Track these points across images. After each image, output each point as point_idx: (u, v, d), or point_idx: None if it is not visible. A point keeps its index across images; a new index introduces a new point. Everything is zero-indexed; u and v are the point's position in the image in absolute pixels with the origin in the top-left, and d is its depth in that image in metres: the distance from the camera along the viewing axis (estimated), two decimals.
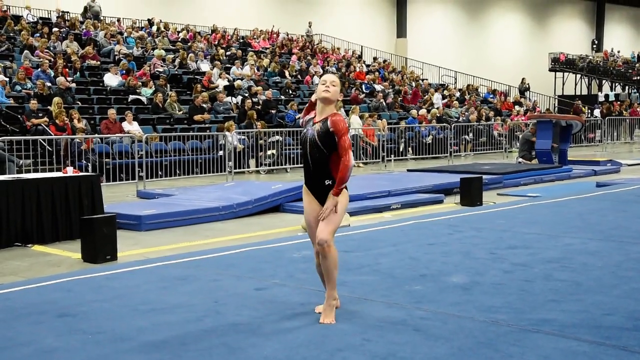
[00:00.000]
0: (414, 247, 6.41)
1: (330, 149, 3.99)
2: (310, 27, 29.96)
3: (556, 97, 35.25)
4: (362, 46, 31.32)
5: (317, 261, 4.18)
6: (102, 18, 23.41)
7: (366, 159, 17.73)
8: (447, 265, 5.59)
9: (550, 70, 37.66)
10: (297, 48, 26.49)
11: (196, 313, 4.20)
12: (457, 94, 26.31)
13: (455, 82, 31.02)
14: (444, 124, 20.17)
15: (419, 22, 36.68)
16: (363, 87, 24.04)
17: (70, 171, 8.16)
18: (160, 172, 13.24)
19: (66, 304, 4.43)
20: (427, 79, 29.50)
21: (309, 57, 25.37)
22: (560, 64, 37.20)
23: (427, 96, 24.71)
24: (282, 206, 9.87)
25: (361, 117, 19.34)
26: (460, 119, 22.61)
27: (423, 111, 21.83)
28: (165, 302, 4.47)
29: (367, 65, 27.93)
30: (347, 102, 21.81)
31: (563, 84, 36.83)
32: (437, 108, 22.94)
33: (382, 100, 22.63)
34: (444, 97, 25.40)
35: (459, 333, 3.80)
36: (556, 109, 32.40)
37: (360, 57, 29.61)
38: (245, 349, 3.55)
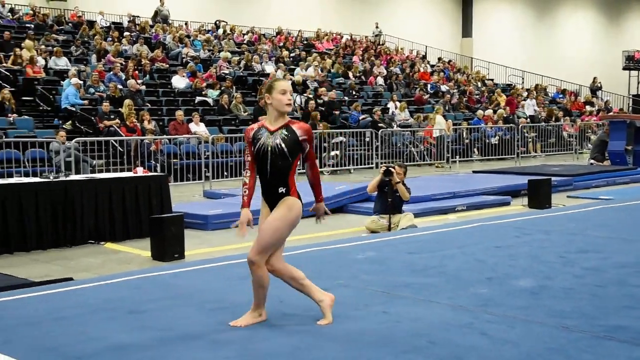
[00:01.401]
0: (480, 250, 6.29)
1: (294, 157, 3.96)
2: (377, 27, 29.86)
3: (630, 96, 33.95)
4: (426, 46, 31.00)
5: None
6: (170, 22, 23.99)
7: (430, 160, 17.55)
8: (515, 269, 5.46)
9: (624, 68, 36.28)
10: (361, 49, 26.44)
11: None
12: (525, 94, 25.70)
13: (523, 82, 30.32)
14: (511, 125, 19.75)
15: (486, 21, 36.01)
16: (428, 87, 23.79)
17: (140, 171, 8.40)
18: (225, 173, 13.46)
19: (136, 300, 4.55)
20: (492, 79, 28.95)
21: (372, 58, 25.29)
22: (635, 62, 35.80)
23: (493, 96, 24.25)
24: (346, 207, 9.87)
25: (425, 119, 19.17)
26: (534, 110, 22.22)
27: (489, 112, 21.43)
28: (230, 301, 4.53)
29: (432, 66, 27.63)
30: (411, 103, 21.64)
31: (638, 83, 35.46)
32: (504, 108, 22.46)
33: (448, 100, 22.37)
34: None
35: (528, 338, 3.70)
36: (630, 108, 31.23)
37: (424, 57, 29.33)
38: (309, 349, 3.56)
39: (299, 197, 4.02)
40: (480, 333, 3.79)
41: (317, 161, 3.94)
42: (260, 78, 19.89)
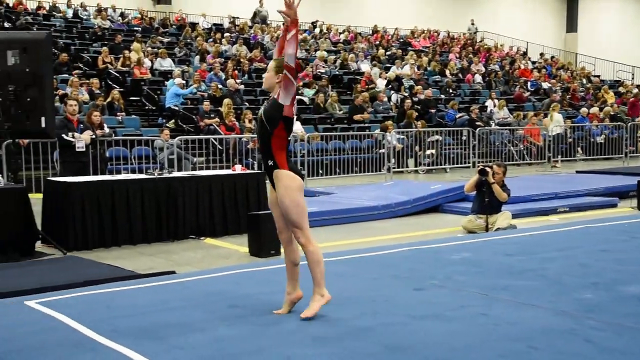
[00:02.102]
0: (583, 253, 6.04)
1: (273, 125, 3.95)
2: (472, 24, 29.26)
3: None
4: (527, 42, 30.05)
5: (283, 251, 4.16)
6: (269, 22, 24.47)
7: (530, 160, 17.00)
8: (623, 274, 5.20)
9: None
10: (458, 46, 25.97)
11: (355, 311, 4.25)
12: (635, 90, 24.40)
13: (633, 78, 28.79)
14: (619, 123, 18.81)
15: (593, 15, 34.46)
16: (528, 85, 23.06)
17: (238, 169, 8.61)
18: (320, 171, 13.57)
19: (235, 295, 4.67)
20: (599, 75, 27.68)
21: (470, 55, 24.78)
22: None
23: (599, 93, 23.19)
24: (441, 206, 9.73)
25: (525, 117, 18.58)
26: None
27: (595, 109, 20.50)
28: None
29: (533, 62, 26.75)
30: (511, 101, 21.04)
31: None
32: (612, 105, 21.43)
33: (552, 98, 21.60)
34: (619, 95, 23.68)
35: (637, 347, 3.52)
36: None
37: (525, 53, 28.44)
38: (404, 349, 3.54)
39: (291, 169, 4.02)
40: (585, 340, 3.64)
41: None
42: (356, 77, 19.94)
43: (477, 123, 17.09)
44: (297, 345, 3.60)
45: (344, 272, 5.41)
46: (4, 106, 6.95)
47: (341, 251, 6.54)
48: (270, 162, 4.01)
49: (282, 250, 4.22)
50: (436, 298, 4.56)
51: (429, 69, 22.22)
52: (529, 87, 22.82)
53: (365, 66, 21.00)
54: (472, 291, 4.71)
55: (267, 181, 4.24)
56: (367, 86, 19.13)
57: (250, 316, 4.15)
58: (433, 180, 12.39)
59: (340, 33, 25.09)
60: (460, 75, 22.78)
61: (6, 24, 18.21)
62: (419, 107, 17.71)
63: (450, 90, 20.73)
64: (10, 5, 19.93)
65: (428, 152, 15.39)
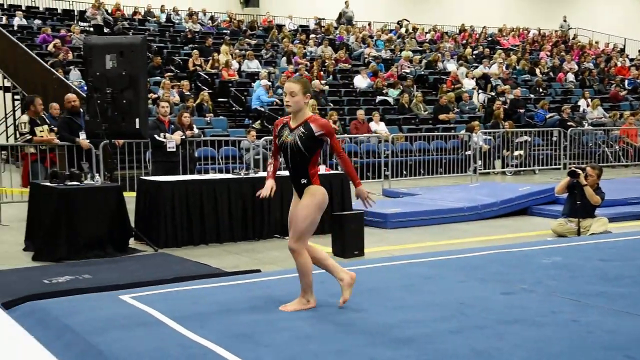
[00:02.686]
0: None
1: (312, 152, 4.17)
2: (565, 21, 28.25)
3: None
4: (625, 39, 28.72)
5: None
6: (354, 23, 24.50)
7: (627, 161, 16.24)
8: None
9: None
10: (550, 44, 25.13)
11: (442, 313, 4.18)
12: None
13: None
14: None
15: None
16: (625, 83, 22.03)
17: (322, 169, 8.65)
18: (404, 172, 13.47)
19: (320, 295, 4.68)
20: None
21: (562, 53, 23.93)
22: None
23: None
24: (529, 209, 9.45)
25: (621, 117, 17.77)
26: None
27: None
28: (411, 300, 4.52)
29: (631, 60, 25.53)
30: (606, 100, 20.17)
31: None
32: None
33: None
34: None
35: None
36: None
37: (622, 50, 27.20)
38: (492, 354, 3.45)
39: (320, 183, 4.24)
40: None
41: (346, 153, 4.34)
42: (442, 77, 19.66)
43: (569, 123, 16.49)
44: (380, 346, 3.57)
45: (430, 274, 5.34)
46: (101, 108, 7.28)
47: (426, 253, 6.46)
48: (304, 181, 4.25)
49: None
50: (526, 303, 4.43)
51: (517, 67, 21.62)
52: (626, 86, 21.80)
53: (451, 66, 20.68)
54: (564, 297, 4.54)
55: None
56: (453, 86, 18.83)
57: (335, 316, 4.15)
58: (521, 182, 12.04)
59: (426, 33, 24.80)
60: (551, 74, 22.04)
61: (105, 30, 19.09)
62: (506, 107, 17.27)
63: (541, 90, 20.10)
64: (109, 11, 20.86)
65: (516, 153, 14.98)
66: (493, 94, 18.54)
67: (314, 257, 4.31)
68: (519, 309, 4.28)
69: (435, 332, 3.80)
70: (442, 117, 16.55)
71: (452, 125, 16.35)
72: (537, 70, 21.61)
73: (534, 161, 15.11)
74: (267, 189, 4.36)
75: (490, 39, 25.54)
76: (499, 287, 4.88)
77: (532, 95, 19.50)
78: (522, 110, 17.49)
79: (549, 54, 23.79)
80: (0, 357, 2.03)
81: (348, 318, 4.10)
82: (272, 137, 4.59)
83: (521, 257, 6.03)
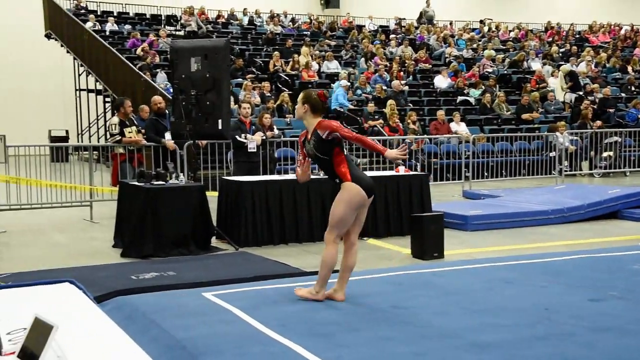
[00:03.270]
0: None
1: (330, 154, 4.41)
2: None
3: None
4: None
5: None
6: (435, 22, 24.21)
7: None
8: None
9: None
10: None
11: (526, 318, 4.07)
12: None
13: None
14: None
15: None
16: None
17: (402, 170, 8.59)
18: (486, 173, 13.19)
19: (398, 296, 4.67)
20: None
21: None
22: None
23: None
24: (619, 213, 9.07)
25: None
26: None
27: None
28: (492, 304, 4.43)
29: None
30: None
31: None
32: None
33: None
34: None
35: None
36: None
37: None
38: None
39: (354, 180, 4.41)
40: None
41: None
42: (526, 76, 19.14)
43: None
44: (461, 350, 3.52)
45: (512, 278, 5.21)
46: (186, 109, 7.49)
47: (508, 256, 6.31)
48: (337, 180, 4.48)
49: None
50: (615, 310, 4.25)
51: (607, 65, 20.77)
52: None
53: (536, 65, 20.08)
54: None
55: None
56: (537, 85, 18.29)
57: (412, 318, 4.12)
58: (610, 185, 11.57)
59: (510, 31, 24.20)
60: None
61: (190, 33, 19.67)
62: (595, 107, 16.62)
63: (633, 88, 19.21)
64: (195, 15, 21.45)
65: (605, 154, 14.39)
66: (580, 93, 17.88)
67: (345, 261, 4.56)
68: (609, 316, 4.12)
69: (520, 338, 3.71)
70: (525, 117, 16.11)
71: (536, 126, 15.88)
72: (629, 68, 20.68)
73: (624, 163, 14.47)
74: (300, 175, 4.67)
75: (578, 36, 24.65)
76: (586, 293, 4.71)
77: (623, 94, 18.68)
78: (612, 110, 16.79)
79: None
80: (94, 347, 2.13)
81: (428, 321, 4.06)
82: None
83: (610, 262, 5.79)
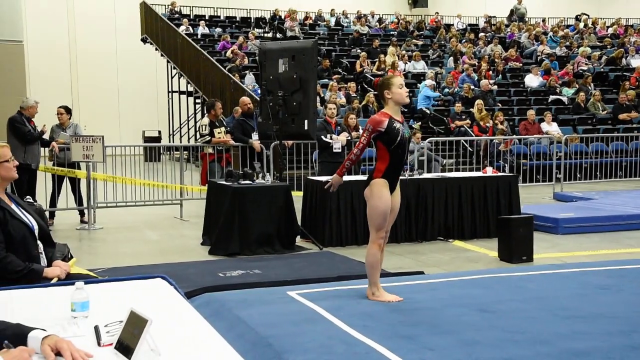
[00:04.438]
0: None
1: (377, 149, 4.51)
2: None
3: None
4: None
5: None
6: (527, 19, 23.53)
7: None
8: None
9: None
10: None
11: (621, 326, 3.90)
12: None
13: None
14: None
15: None
16: None
17: (489, 171, 8.41)
18: (578, 175, 12.72)
19: (485, 300, 4.57)
20: None
21: None
22: None
23: None
24: None
25: None
26: None
27: None
28: (585, 310, 4.26)
29: None
30: None
31: None
32: None
33: None
34: None
35: None
36: None
37: None
38: None
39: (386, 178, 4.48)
40: None
41: None
42: (625, 73, 18.29)
43: None
44: (549, 357, 3.41)
45: (605, 284, 5.00)
46: (273, 110, 7.62)
47: (602, 262, 6.05)
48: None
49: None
50: None
51: None
52: None
53: (636, 62, 19.15)
54: None
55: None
56: (637, 83, 17.44)
57: (501, 323, 4.02)
58: None
59: (608, 27, 23.19)
60: None
61: (278, 35, 19.98)
62: None
63: None
64: (282, 17, 21.81)
65: None
66: None
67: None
68: None
69: (613, 346, 3.55)
70: (622, 116, 15.40)
71: (634, 126, 15.15)
72: None
73: None
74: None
75: None
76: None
77: None
78: None
79: None
80: (185, 342, 2.20)
81: (516, 325, 3.95)
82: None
83: None
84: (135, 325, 2.05)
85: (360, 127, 11.10)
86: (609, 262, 5.99)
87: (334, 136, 9.43)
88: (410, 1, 27.35)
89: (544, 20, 24.28)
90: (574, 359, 3.38)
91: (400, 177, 7.93)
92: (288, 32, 19.72)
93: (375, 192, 4.43)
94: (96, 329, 2.24)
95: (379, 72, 17.26)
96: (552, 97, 16.73)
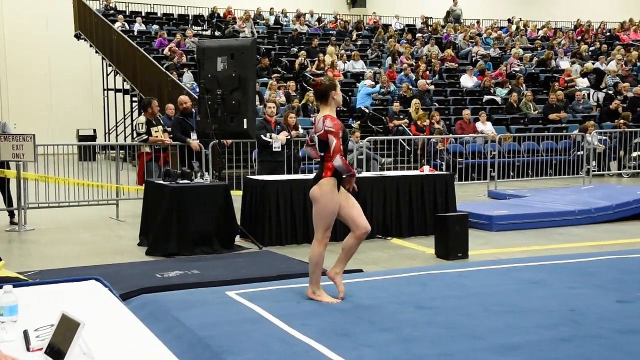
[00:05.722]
0: None
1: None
2: None
3: None
4: None
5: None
6: (462, 21, 24.05)
7: None
8: None
9: None
10: None
11: (551, 320, 4.03)
12: None
13: None
14: None
15: None
16: None
17: (426, 170, 8.55)
18: (512, 173, 13.08)
19: (422, 297, 4.64)
20: None
21: None
22: None
23: None
24: None
25: None
26: None
27: None
28: (518, 305, 4.38)
29: None
30: None
31: None
32: None
33: None
34: None
35: None
36: None
37: None
38: None
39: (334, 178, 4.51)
40: None
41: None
42: (554, 75, 18.92)
43: None
44: (486, 352, 3.49)
45: (537, 279, 5.16)
46: (212, 109, 7.54)
47: (534, 257, 6.24)
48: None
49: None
50: None
51: (638, 64, 20.42)
52: None
53: (564, 63, 19.85)
54: None
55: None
56: (566, 84, 18.07)
57: (438, 319, 4.09)
58: (639, 185, 11.39)
59: (538, 29, 23.93)
60: None
61: (217, 33, 19.78)
62: (625, 106, 16.37)
63: None
64: (221, 15, 21.59)
65: (634, 154, 14.17)
66: (611, 92, 17.61)
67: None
68: (637, 318, 4.06)
69: (544, 339, 3.67)
70: (552, 116, 15.93)
71: (564, 125, 15.69)
72: None
73: None
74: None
75: (608, 34, 24.29)
76: (613, 294, 4.64)
77: None
78: None
79: None
80: (119, 344, 2.15)
81: (452, 321, 4.03)
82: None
83: (639, 264, 5.70)
84: (67, 328, 1.99)
85: (299, 126, 11.13)
86: (540, 257, 6.18)
87: (273, 135, 9.41)
88: (348, 1, 27.54)
89: (478, 22, 24.87)
90: (506, 352, 3.47)
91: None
92: (242, 34, 19.57)
93: (325, 191, 4.42)
94: (25, 333, 2.17)
95: (319, 71, 17.33)
96: (486, 97, 17.15)
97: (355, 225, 4.51)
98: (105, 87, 21.10)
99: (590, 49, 21.76)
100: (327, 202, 4.41)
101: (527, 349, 3.51)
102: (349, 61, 18.31)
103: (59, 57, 23.75)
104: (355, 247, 4.60)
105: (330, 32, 21.66)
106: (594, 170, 13.22)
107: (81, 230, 8.37)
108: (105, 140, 21.18)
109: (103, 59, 20.01)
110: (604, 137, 14.06)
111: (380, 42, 20.78)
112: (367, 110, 15.54)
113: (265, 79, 16.13)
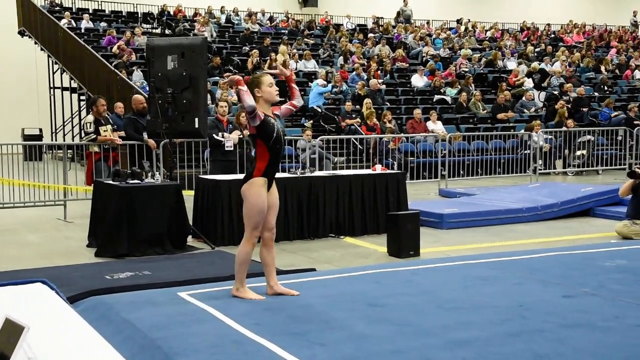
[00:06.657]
0: None
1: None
2: (635, 16, 27.27)
3: None
4: None
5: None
6: (413, 21, 24.33)
7: None
8: None
9: None
10: (616, 40, 24.36)
11: (500, 315, 4.11)
12: None
13: None
14: None
15: None
16: None
17: (378, 169, 8.62)
18: (462, 171, 13.29)
19: (375, 294, 4.68)
20: None
21: (630, 50, 23.14)
22: None
23: None
24: (592, 210, 9.20)
25: None
26: None
27: None
28: (468, 302, 4.46)
29: None
30: None
31: None
32: None
33: None
34: None
35: None
36: None
37: None
38: (552, 357, 3.37)
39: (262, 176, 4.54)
40: None
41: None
42: (502, 75, 19.31)
43: (636, 122, 15.94)
44: (437, 348, 3.54)
45: (487, 276, 5.25)
46: (162, 108, 7.43)
47: (483, 254, 6.36)
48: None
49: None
50: (588, 307, 4.31)
51: (582, 65, 21.04)
52: None
53: (511, 64, 20.28)
54: (629, 301, 4.39)
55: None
56: (514, 84, 18.48)
57: (390, 316, 4.13)
58: (583, 183, 11.73)
59: (486, 30, 24.40)
60: (617, 71, 21.34)
61: (167, 31, 19.52)
62: (569, 106, 16.83)
63: (606, 88, 19.49)
64: (171, 13, 21.31)
65: (578, 152, 14.58)
66: (556, 92, 18.07)
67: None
68: (581, 312, 4.17)
69: (494, 334, 3.74)
70: (500, 116, 16.25)
71: (511, 125, 16.03)
72: (602, 68, 20.98)
73: (597, 161, 14.68)
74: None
75: (553, 36, 24.93)
76: (559, 290, 4.77)
77: (596, 94, 18.95)
78: (585, 109, 17.01)
79: (620, 50, 22.99)
80: (66, 348, 2.10)
81: (404, 318, 4.07)
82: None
83: (583, 259, 5.87)
84: (10, 333, 1.93)
85: None
86: (489, 254, 6.30)
87: (225, 134, 9.34)
88: (300, 0, 27.55)
89: (428, 23, 25.21)
90: (457, 348, 3.53)
91: (292, 175, 8.01)
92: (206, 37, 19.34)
93: (253, 191, 4.46)
94: None
95: (271, 71, 17.26)
96: (436, 97, 17.39)
97: (264, 224, 4.57)
98: (52, 86, 20.59)
99: (536, 50, 22.30)
100: (255, 201, 4.45)
101: (478, 344, 3.58)
102: (301, 60, 18.31)
103: (3, 56, 23.05)
104: (270, 255, 4.66)
105: (282, 31, 21.63)
106: (540, 169, 13.55)
107: (27, 232, 8.15)
108: (52, 140, 20.67)
109: (49, 56, 19.51)
110: (549, 137, 14.42)
111: (332, 41, 20.85)
112: (319, 110, 15.56)
113: (217, 78, 16.00)
